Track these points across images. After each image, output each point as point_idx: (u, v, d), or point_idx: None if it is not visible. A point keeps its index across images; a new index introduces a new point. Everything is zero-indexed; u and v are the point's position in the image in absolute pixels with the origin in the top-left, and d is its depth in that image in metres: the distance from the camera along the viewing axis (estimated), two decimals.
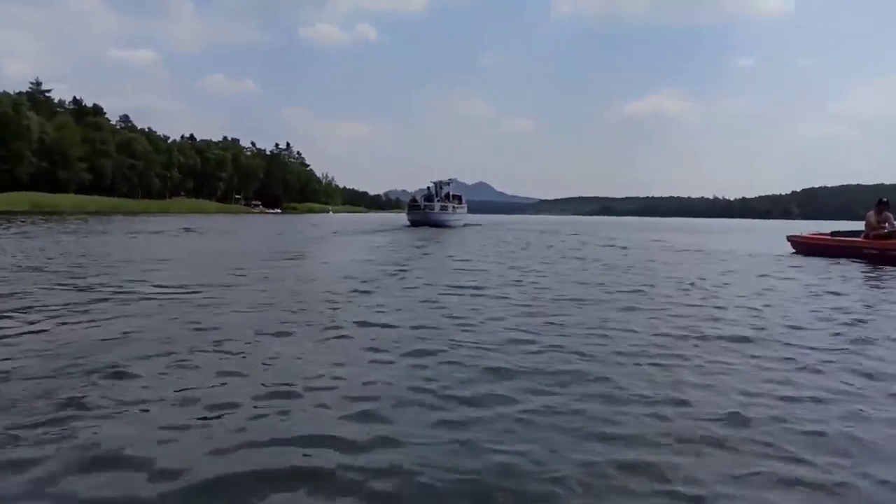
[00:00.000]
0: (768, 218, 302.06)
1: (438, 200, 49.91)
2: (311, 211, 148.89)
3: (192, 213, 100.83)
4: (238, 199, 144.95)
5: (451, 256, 17.14)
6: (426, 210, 48.24)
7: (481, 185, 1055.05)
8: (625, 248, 23.25)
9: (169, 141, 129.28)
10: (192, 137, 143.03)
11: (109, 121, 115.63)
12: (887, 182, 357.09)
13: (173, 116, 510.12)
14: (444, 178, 54.22)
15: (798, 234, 21.07)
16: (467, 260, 15.83)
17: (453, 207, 52.75)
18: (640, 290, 9.66)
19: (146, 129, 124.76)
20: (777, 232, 35.83)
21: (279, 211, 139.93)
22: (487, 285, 10.10)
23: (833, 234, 19.24)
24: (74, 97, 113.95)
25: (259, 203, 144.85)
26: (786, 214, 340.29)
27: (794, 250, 19.71)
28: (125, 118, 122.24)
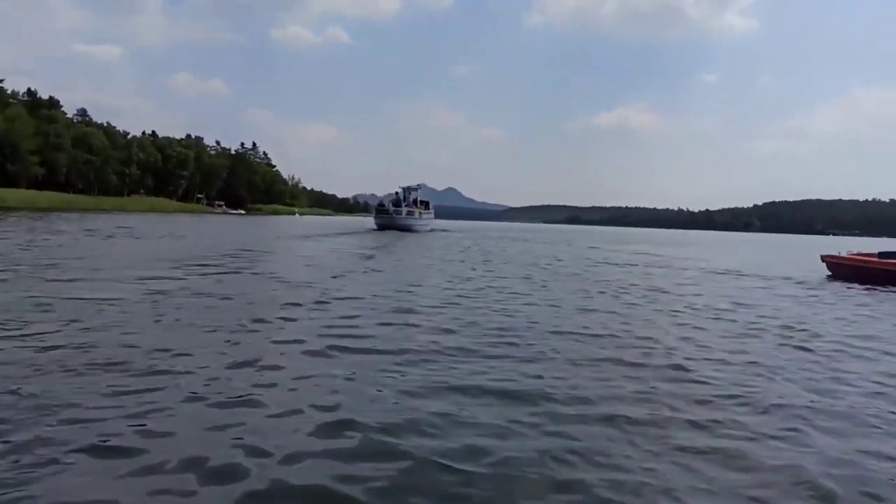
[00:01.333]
0: (731, 230, 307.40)
1: (406, 205, 51.36)
2: (276, 213, 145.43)
3: (150, 211, 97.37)
4: (200, 198, 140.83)
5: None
6: (393, 214, 49.44)
7: (451, 192, 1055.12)
8: (630, 265, 20.79)
9: (129, 137, 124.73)
10: (153, 134, 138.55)
11: (66, 114, 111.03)
12: (845, 197, 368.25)
13: (138, 114, 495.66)
14: (414, 183, 55.58)
15: (835, 254, 17.62)
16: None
17: (420, 213, 53.72)
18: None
19: (104, 124, 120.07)
20: (773, 246, 36.53)
21: (243, 212, 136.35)
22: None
23: (881, 255, 15.99)
24: (29, 88, 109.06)
25: (222, 203, 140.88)
26: (747, 227, 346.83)
27: (829, 273, 16.99)
28: (82, 112, 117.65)
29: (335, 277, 12.68)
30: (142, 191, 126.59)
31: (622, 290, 12.40)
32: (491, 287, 12.21)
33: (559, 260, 22.76)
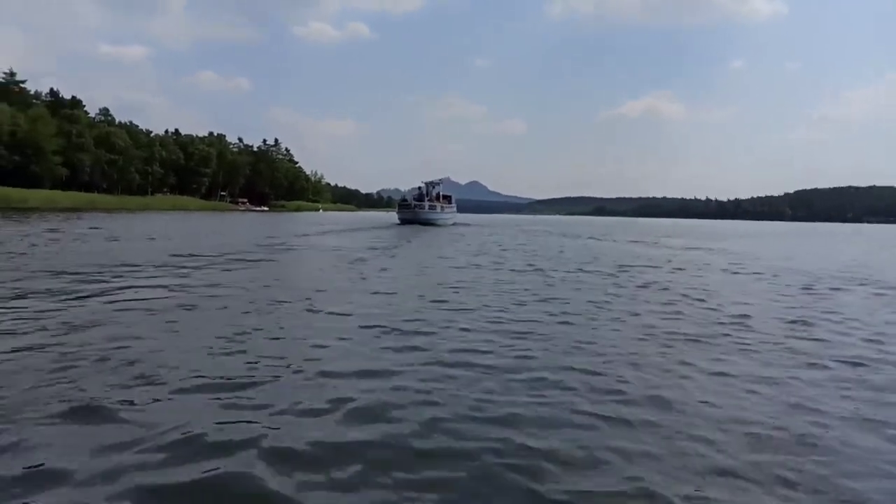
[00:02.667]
0: (761, 219, 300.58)
1: (428, 200, 52.82)
2: (299, 209, 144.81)
3: (173, 210, 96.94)
4: (223, 196, 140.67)
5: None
6: (416, 209, 50.94)
7: (474, 185, 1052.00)
8: (715, 268, 16.21)
9: (151, 135, 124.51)
10: (176, 132, 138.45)
11: (88, 113, 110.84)
12: (879, 184, 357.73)
13: (163, 113, 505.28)
14: (437, 177, 56.97)
15: None
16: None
17: (442, 207, 55.24)
18: None
19: (127, 123, 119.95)
20: (831, 237, 33.25)
21: (266, 209, 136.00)
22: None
23: None
24: (51, 89, 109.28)
25: (246, 200, 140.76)
26: (779, 216, 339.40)
27: None
28: (105, 111, 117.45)
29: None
30: (165, 189, 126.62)
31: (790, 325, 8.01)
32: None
33: (622, 267, 16.12)
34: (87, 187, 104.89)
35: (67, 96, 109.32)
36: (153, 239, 23.00)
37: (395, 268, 14.61)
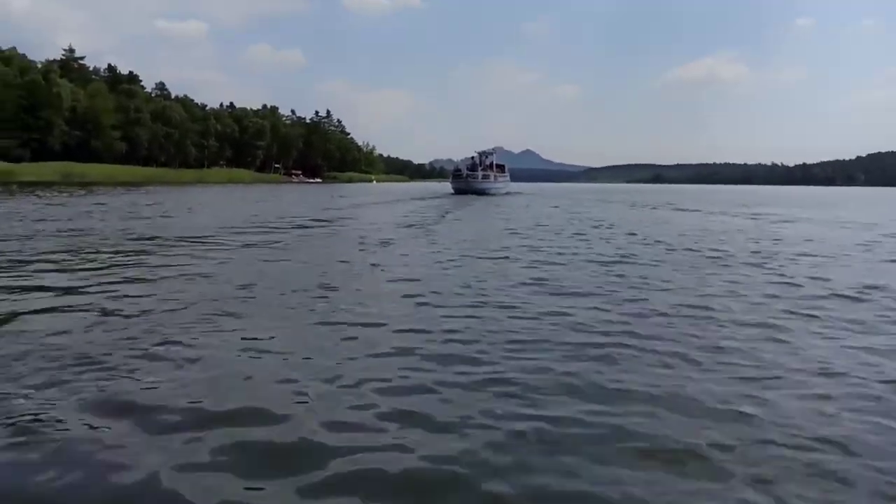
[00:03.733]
0: (832, 185, 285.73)
1: (482, 170, 52.96)
2: (350, 180, 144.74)
3: (228, 182, 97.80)
4: (277, 168, 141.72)
5: None
6: (468, 179, 51.26)
7: (528, 154, 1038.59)
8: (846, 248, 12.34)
9: (206, 109, 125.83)
10: (231, 106, 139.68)
11: (144, 88, 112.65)
12: None
13: (220, 88, 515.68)
14: (489, 147, 57.11)
15: None
16: None
17: (495, 176, 54.87)
18: None
19: (182, 97, 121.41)
20: None
21: (319, 181, 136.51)
22: None
23: None
24: (109, 64, 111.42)
25: (299, 172, 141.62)
26: (850, 181, 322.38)
27: None
28: (161, 86, 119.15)
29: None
30: (221, 162, 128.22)
31: None
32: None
33: (725, 244, 13.04)
34: (146, 161, 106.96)
35: (125, 73, 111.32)
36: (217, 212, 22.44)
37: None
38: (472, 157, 55.99)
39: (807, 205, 39.41)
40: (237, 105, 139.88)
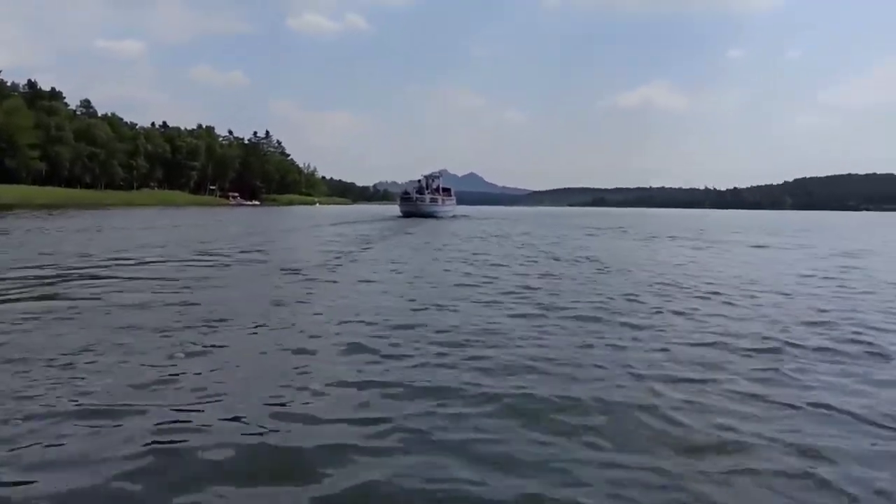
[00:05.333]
0: (761, 209, 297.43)
1: (429, 193, 53.98)
2: (291, 203, 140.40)
3: (159, 205, 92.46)
4: (213, 190, 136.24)
5: None
6: (417, 202, 52.12)
7: (472, 177, 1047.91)
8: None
9: (136, 128, 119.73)
10: (164, 125, 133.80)
11: (68, 105, 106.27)
12: (879, 171, 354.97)
13: (161, 108, 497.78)
14: (435, 170, 58.41)
15: None
16: None
17: (442, 199, 55.86)
18: None
19: (109, 115, 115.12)
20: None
21: (258, 203, 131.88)
22: None
23: None
24: (29, 80, 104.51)
25: (237, 195, 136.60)
26: (778, 205, 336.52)
27: None
28: (86, 103, 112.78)
29: None
30: (152, 184, 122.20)
31: None
32: None
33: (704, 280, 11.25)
34: (69, 182, 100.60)
35: (66, 91, 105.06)
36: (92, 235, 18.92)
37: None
38: (419, 181, 56.68)
39: (770, 231, 38.50)
40: (178, 125, 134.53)
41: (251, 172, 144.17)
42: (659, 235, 29.72)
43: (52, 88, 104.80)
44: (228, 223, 35.94)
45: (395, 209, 55.77)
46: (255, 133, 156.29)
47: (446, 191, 58.47)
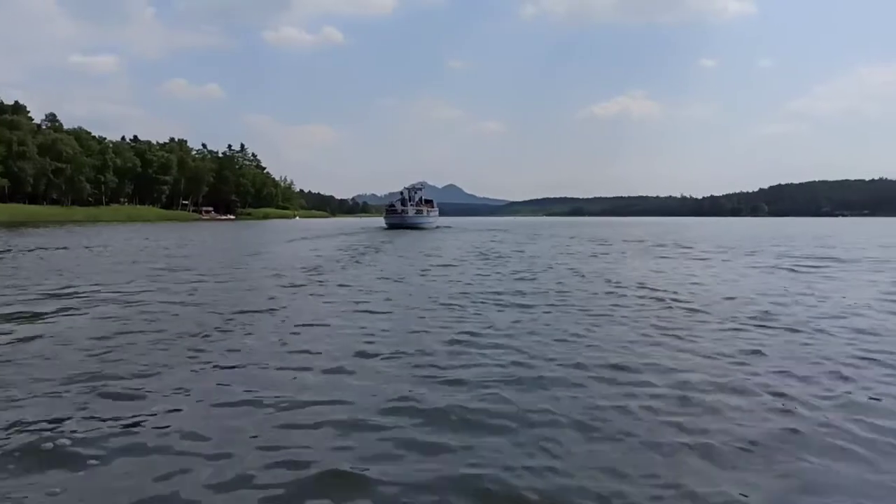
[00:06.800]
0: (739, 215, 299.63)
1: (414, 205, 55.16)
2: (267, 217, 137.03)
3: (127, 221, 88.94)
4: (186, 204, 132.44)
5: None
6: (402, 214, 53.05)
7: (451, 188, 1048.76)
8: None
9: (104, 142, 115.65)
10: (135, 139, 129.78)
11: (32, 119, 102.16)
12: (852, 177, 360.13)
13: (137, 122, 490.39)
14: (415, 181, 58.78)
15: None
16: None
17: (427, 211, 56.71)
18: None
19: (76, 129, 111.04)
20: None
21: (232, 217, 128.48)
22: None
23: None
24: None
25: (210, 209, 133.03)
26: (755, 211, 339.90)
27: None
28: (51, 117, 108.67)
29: None
30: (122, 199, 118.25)
31: None
32: None
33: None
34: (33, 199, 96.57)
35: (38, 107, 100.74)
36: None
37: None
38: (401, 193, 57.04)
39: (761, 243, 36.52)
40: (153, 139, 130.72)
41: (226, 186, 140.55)
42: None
43: (15, 102, 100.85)
44: (178, 245, 33.09)
45: (378, 221, 57.62)
46: (229, 146, 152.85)
47: (429, 202, 58.86)
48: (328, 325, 7.62)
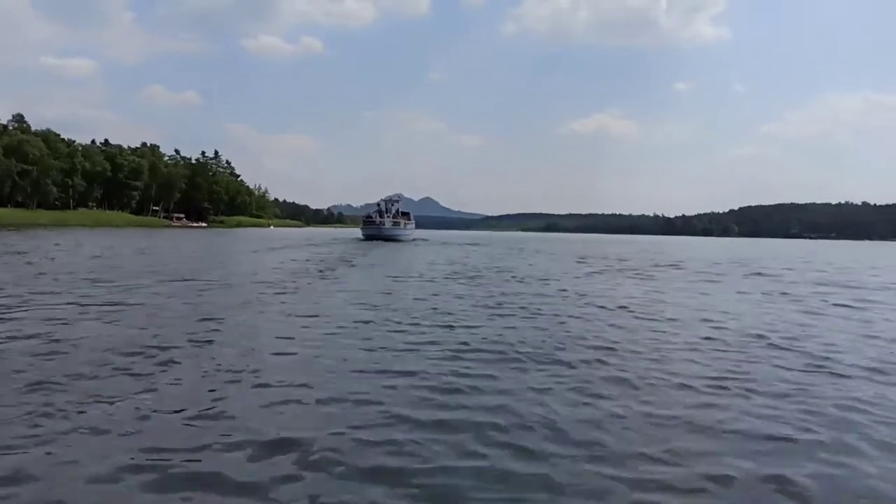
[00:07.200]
0: (710, 235, 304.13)
1: (391, 217, 54.98)
2: (240, 225, 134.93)
3: (95, 226, 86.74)
4: (156, 210, 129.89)
5: None
6: (380, 226, 52.94)
7: (427, 201, 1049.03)
8: None
9: (73, 145, 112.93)
10: (105, 142, 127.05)
11: None
12: (819, 201, 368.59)
13: (111, 128, 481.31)
14: (391, 193, 58.43)
15: None
16: None
17: (404, 224, 56.66)
18: None
19: (44, 131, 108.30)
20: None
21: (204, 225, 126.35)
22: None
23: None
24: None
25: (182, 216, 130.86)
26: (726, 232, 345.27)
27: None
28: (19, 118, 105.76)
29: None
30: (91, 203, 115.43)
31: None
32: None
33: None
34: None
35: (9, 110, 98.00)
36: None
37: None
38: (378, 205, 56.71)
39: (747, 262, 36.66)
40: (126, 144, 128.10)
41: (198, 193, 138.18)
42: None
43: None
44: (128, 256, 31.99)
45: (353, 232, 58.29)
46: (202, 153, 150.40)
47: (405, 215, 58.63)
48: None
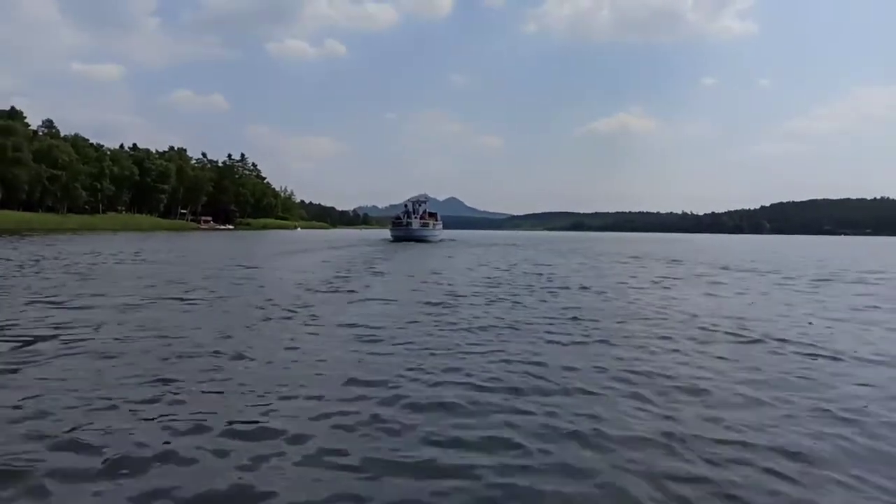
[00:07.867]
0: (741, 233, 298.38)
1: (419, 217, 55.07)
2: (266, 227, 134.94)
3: (122, 230, 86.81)
4: (184, 213, 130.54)
5: None
6: (408, 226, 53.28)
7: (452, 201, 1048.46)
8: None
9: (101, 149, 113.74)
10: (134, 147, 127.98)
11: (28, 125, 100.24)
12: (853, 196, 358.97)
13: (139, 132, 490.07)
14: (416, 194, 58.37)
15: None
16: None
17: (432, 224, 56.83)
18: None
19: (73, 136, 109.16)
20: None
21: (231, 227, 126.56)
22: None
23: None
24: None
25: (210, 219, 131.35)
26: (757, 229, 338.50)
27: None
28: (49, 123, 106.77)
29: None
30: (120, 207, 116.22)
31: None
32: None
33: None
34: (28, 206, 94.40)
35: (38, 115, 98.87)
36: None
37: None
38: (405, 205, 56.97)
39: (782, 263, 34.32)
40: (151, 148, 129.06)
41: (225, 196, 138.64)
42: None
43: (12, 107, 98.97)
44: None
45: (379, 233, 58.40)
46: (229, 155, 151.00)
47: (433, 215, 58.52)
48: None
